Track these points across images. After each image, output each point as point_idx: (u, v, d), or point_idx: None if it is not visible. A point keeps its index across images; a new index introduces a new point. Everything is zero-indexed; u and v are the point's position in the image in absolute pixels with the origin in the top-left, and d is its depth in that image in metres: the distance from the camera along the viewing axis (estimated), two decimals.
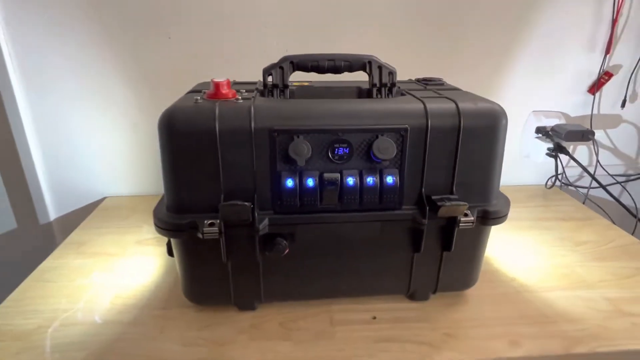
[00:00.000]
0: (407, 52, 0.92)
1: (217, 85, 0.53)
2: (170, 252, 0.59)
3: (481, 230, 0.58)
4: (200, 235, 0.51)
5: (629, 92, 1.00)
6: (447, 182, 0.55)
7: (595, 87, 0.99)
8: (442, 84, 0.68)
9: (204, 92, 0.56)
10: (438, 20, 0.91)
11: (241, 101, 0.53)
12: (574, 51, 0.96)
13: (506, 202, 0.58)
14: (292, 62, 0.59)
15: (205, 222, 0.51)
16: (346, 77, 0.65)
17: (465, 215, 0.55)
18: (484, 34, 0.93)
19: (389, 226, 0.56)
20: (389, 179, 0.53)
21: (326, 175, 0.52)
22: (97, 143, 0.95)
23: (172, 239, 0.56)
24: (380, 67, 0.60)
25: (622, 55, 0.97)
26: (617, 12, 0.92)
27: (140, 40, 0.87)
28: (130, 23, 0.85)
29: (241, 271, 0.57)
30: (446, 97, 0.56)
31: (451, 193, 0.55)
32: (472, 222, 0.55)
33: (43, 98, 0.89)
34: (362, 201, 0.53)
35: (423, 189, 0.55)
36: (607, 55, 0.96)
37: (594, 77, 0.98)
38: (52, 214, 1.00)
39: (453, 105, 0.53)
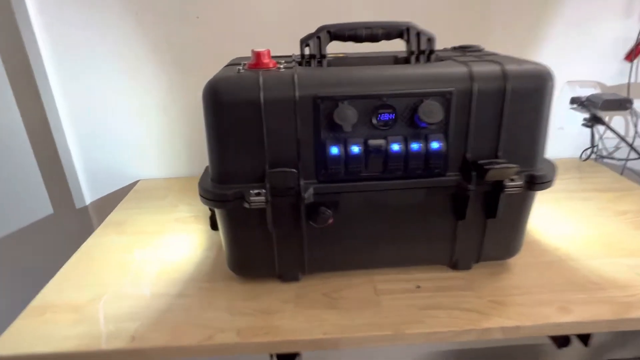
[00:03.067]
0: (434, 22, 0.91)
1: (258, 55, 0.53)
2: (214, 226, 0.60)
3: (527, 195, 0.57)
4: (247, 205, 0.52)
5: None
6: (491, 146, 0.54)
7: (632, 54, 0.95)
8: (480, 50, 0.67)
9: (244, 64, 0.56)
10: None
11: (283, 70, 0.53)
12: (610, 18, 0.93)
13: (552, 167, 0.57)
14: (329, 32, 0.58)
15: (252, 191, 0.52)
16: (381, 46, 0.64)
17: (512, 180, 0.54)
18: (515, 3, 0.90)
19: (432, 193, 0.56)
20: (435, 144, 0.52)
21: (371, 142, 0.51)
22: (129, 126, 0.96)
23: (216, 211, 0.56)
24: (418, 34, 0.59)
25: None
26: None
27: (170, 21, 0.87)
28: (162, 5, 0.86)
29: (286, 242, 0.58)
30: (491, 60, 0.55)
31: (496, 158, 0.54)
32: (520, 187, 0.54)
33: (76, 81, 0.90)
34: (407, 168, 0.53)
35: (468, 155, 0.54)
36: None
37: (631, 43, 0.95)
38: (88, 198, 1.02)
39: (498, 68, 0.52)
